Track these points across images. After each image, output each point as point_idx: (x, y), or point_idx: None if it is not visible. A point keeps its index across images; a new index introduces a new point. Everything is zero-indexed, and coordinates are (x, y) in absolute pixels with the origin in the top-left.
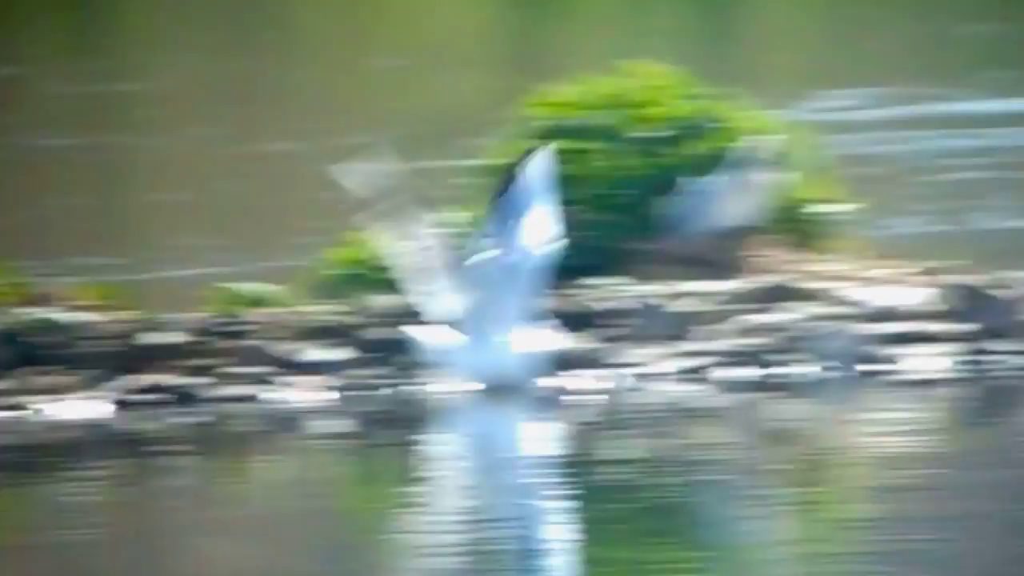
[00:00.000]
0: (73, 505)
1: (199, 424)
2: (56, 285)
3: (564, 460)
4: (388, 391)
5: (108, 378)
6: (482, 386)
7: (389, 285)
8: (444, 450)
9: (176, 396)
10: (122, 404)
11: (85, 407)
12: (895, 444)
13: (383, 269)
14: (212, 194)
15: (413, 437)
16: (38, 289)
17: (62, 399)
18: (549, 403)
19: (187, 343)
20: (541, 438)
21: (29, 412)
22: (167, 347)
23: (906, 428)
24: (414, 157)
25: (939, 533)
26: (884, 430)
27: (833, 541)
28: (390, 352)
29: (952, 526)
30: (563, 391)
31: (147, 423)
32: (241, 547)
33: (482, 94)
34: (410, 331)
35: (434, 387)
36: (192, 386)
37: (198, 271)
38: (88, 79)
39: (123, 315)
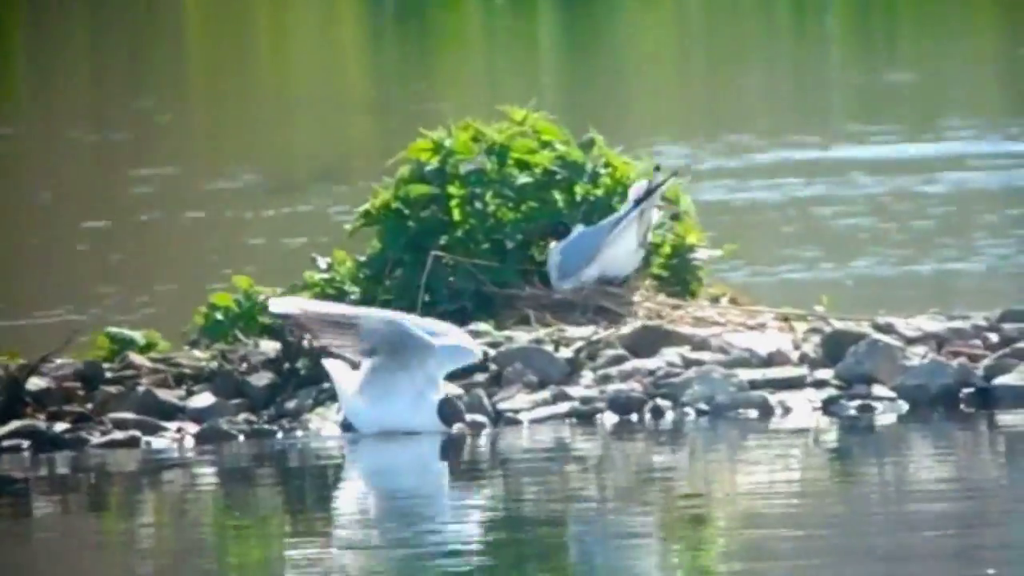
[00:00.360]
0: None
1: (76, 469)
2: None
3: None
4: (276, 435)
5: None
6: (380, 431)
7: (270, 330)
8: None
9: (55, 442)
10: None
11: None
12: (764, 486)
13: (264, 314)
14: (89, 237)
15: (294, 483)
16: None
17: None
18: (441, 447)
19: (69, 388)
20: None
21: None
22: (47, 392)
23: (774, 469)
24: (296, 200)
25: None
26: (754, 472)
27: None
28: (274, 397)
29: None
30: (445, 435)
31: (21, 469)
32: None
33: (363, 138)
34: (328, 364)
35: (326, 431)
36: (74, 431)
37: (76, 316)
38: None
39: (3, 359)
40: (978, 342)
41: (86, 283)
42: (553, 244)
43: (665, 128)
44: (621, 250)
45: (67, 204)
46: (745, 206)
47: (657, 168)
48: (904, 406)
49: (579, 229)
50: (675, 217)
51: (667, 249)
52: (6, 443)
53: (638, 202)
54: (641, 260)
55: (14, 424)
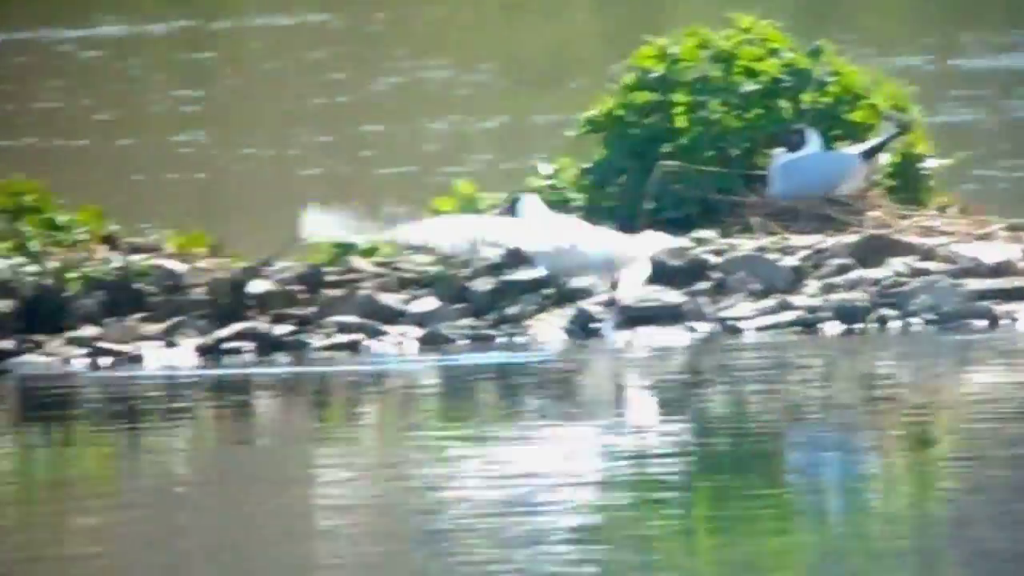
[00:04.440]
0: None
1: (300, 373)
2: (158, 233)
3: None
4: (498, 341)
5: (211, 325)
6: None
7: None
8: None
9: (278, 345)
10: (220, 352)
11: (185, 353)
12: (990, 397)
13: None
14: (312, 143)
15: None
16: (144, 237)
17: (159, 345)
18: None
19: (291, 291)
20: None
21: (127, 357)
22: (269, 295)
23: (1000, 381)
24: (520, 105)
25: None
26: (980, 383)
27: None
28: (496, 302)
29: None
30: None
31: (244, 370)
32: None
33: (588, 44)
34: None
35: (547, 336)
36: (296, 334)
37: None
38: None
39: (227, 263)
40: None
41: (308, 185)
42: (779, 153)
43: (896, 36)
44: (848, 187)
45: (295, 112)
46: (976, 116)
47: (886, 118)
48: None
49: (813, 141)
50: (904, 127)
51: (895, 158)
52: (229, 345)
53: (868, 153)
54: (861, 172)
55: (237, 326)
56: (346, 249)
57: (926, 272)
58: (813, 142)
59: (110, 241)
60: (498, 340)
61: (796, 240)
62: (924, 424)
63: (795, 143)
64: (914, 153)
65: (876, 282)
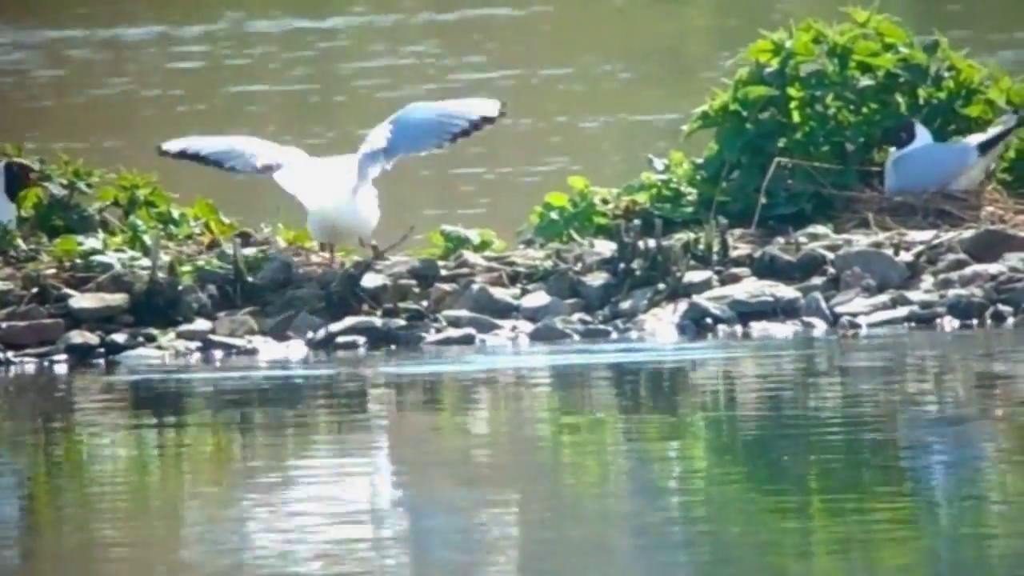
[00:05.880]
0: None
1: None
2: (269, 225)
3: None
4: (610, 336)
5: (323, 319)
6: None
7: (605, 230)
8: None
9: (391, 339)
10: (333, 346)
11: (297, 347)
12: None
13: (600, 214)
14: None
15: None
16: (250, 229)
17: (268, 339)
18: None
19: (404, 285)
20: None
21: (239, 350)
22: (383, 289)
23: None
24: (632, 100)
25: None
26: None
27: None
28: (609, 297)
29: None
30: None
31: (357, 367)
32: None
33: (701, 38)
34: None
35: (661, 332)
36: (409, 328)
37: (414, 214)
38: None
39: (339, 257)
40: None
41: (420, 180)
42: (893, 150)
43: (1014, 30)
44: (964, 181)
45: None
46: None
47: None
48: None
49: (923, 136)
50: (1022, 122)
51: (1011, 153)
52: (342, 339)
53: (985, 146)
54: (977, 168)
55: (350, 320)
56: (458, 243)
57: None
58: (922, 136)
59: (217, 244)
60: (611, 335)
61: (911, 235)
62: None
63: (903, 139)
64: None
65: (992, 277)
